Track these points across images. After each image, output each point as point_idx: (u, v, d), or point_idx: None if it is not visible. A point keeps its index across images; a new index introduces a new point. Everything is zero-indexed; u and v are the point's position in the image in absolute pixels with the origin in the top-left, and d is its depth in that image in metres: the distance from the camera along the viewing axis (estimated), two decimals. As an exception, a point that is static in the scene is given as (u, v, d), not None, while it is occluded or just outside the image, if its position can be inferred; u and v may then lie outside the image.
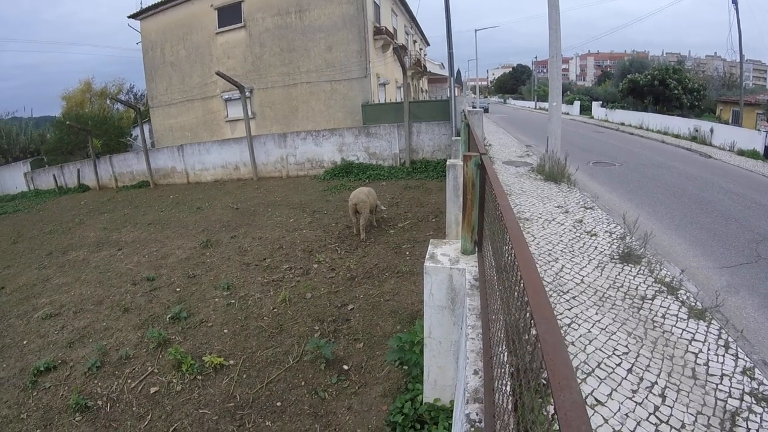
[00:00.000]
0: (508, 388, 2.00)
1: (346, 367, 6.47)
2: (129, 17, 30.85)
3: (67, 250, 15.34)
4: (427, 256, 4.73)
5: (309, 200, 15.16)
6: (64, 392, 7.36)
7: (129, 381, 7.16)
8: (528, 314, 1.57)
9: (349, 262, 9.70)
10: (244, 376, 6.69)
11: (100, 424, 6.45)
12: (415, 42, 41.66)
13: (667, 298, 6.90)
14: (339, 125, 22.42)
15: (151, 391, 6.79)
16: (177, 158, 24.88)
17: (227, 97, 26.85)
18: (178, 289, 10.04)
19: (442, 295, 4.60)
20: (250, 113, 22.91)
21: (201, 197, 19.08)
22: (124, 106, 46.22)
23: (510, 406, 1.86)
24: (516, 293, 1.91)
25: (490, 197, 3.46)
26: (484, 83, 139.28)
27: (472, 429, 2.59)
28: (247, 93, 22.00)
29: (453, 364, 4.77)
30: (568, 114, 50.72)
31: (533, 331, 1.45)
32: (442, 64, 55.80)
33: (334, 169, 19.36)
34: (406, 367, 6.11)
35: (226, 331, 7.91)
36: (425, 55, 49.41)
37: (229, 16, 26.10)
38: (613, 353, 5.54)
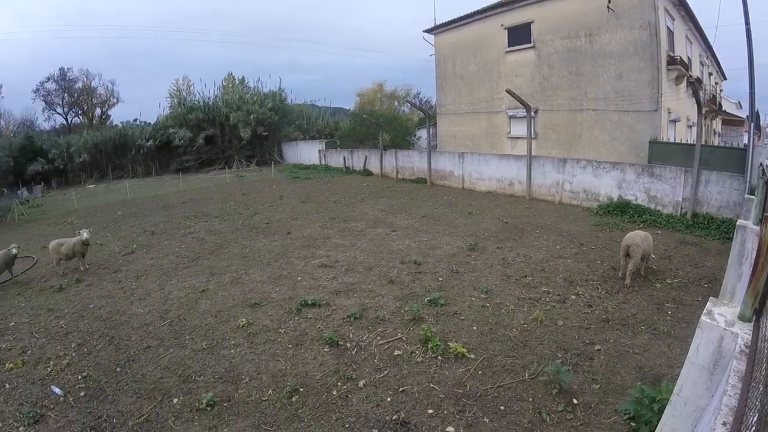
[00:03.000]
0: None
1: (575, 401, 6.55)
2: (425, 32, 34.29)
3: (348, 220, 18.20)
4: (704, 311, 4.66)
5: (578, 231, 15.05)
6: (321, 326, 9.11)
7: (378, 338, 8.42)
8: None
9: (607, 304, 9.55)
10: (480, 372, 7.25)
11: (342, 360, 7.81)
12: (710, 75, 36.94)
13: None
14: (621, 159, 21.29)
15: (395, 353, 7.88)
16: (456, 163, 26.65)
17: (512, 114, 27.71)
18: (440, 279, 11.23)
19: (707, 354, 4.49)
20: (532, 133, 23.23)
21: (473, 204, 20.36)
22: (409, 108, 50.66)
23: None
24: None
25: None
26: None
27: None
28: (532, 113, 22.37)
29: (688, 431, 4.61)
30: None
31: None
32: (739, 103, 48.82)
33: (608, 204, 18.57)
34: (634, 424, 5.97)
35: (475, 328, 8.60)
36: (721, 90, 43.20)
37: (519, 36, 26.88)
38: None
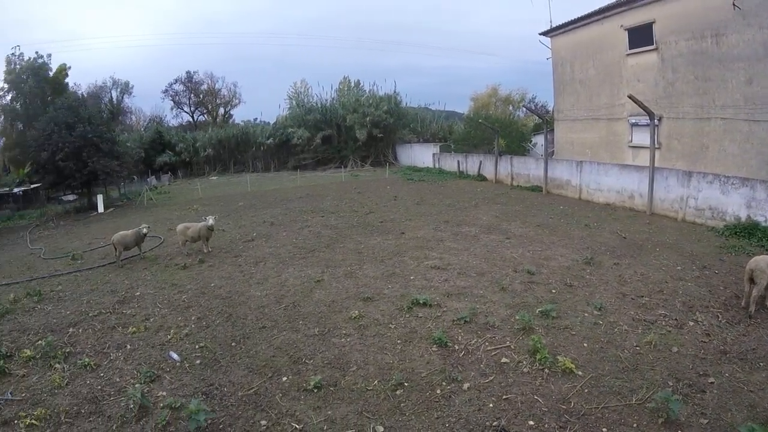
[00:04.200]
0: None
1: (681, 433, 6.32)
2: (540, 34, 33.17)
3: (461, 224, 18.28)
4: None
5: (701, 252, 14.12)
6: (430, 325, 9.33)
7: (486, 344, 8.49)
8: None
9: (727, 334, 8.94)
10: (586, 390, 7.10)
11: (449, 361, 7.97)
12: None
13: None
14: (751, 175, 19.23)
15: (501, 360, 7.92)
16: (574, 172, 25.62)
17: (634, 121, 26.00)
18: (553, 291, 11.06)
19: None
20: (655, 142, 21.84)
21: (590, 216, 19.66)
22: (524, 113, 49.64)
23: None
24: None
25: None
26: None
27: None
28: (655, 120, 21.06)
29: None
30: None
31: None
32: None
33: (735, 225, 16.91)
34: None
35: (585, 345, 8.42)
36: None
37: (640, 37, 25.04)
38: None
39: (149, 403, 7.09)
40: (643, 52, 25.01)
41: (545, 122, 30.38)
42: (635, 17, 25.13)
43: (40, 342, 9.65)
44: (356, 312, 9.97)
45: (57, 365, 8.69)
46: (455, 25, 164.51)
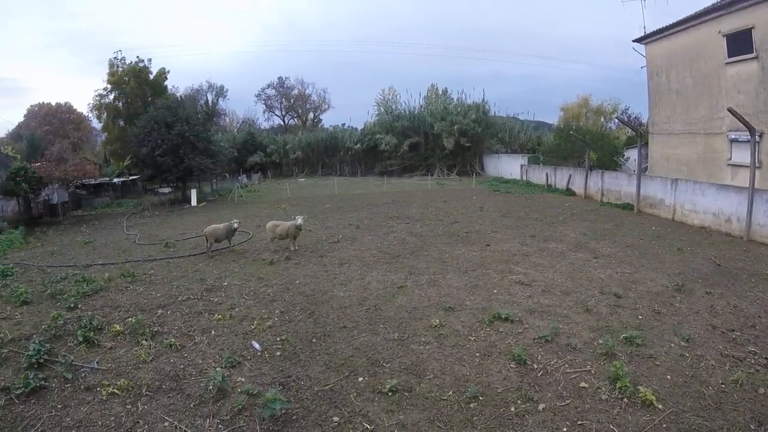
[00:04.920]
0: None
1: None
2: (634, 41, 31.12)
3: (548, 240, 17.81)
4: None
5: (802, 287, 13.05)
6: (510, 341, 9.11)
7: (566, 366, 8.17)
8: None
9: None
10: (664, 425, 6.68)
11: (526, 380, 7.73)
12: None
13: None
14: None
15: (580, 384, 7.58)
16: (668, 191, 23.96)
17: (734, 137, 23.79)
18: (639, 317, 10.48)
19: None
20: (756, 161, 20.13)
21: (683, 239, 18.44)
22: (616, 125, 47.65)
23: None
24: None
25: None
26: None
27: None
28: (756, 137, 19.39)
29: None
30: None
31: None
32: None
33: None
34: None
35: (668, 377, 7.94)
36: None
37: (739, 44, 22.98)
38: None
39: (228, 387, 7.41)
40: (742, 60, 23.04)
41: (639, 135, 28.71)
42: (732, 23, 23.24)
43: (130, 319, 10.45)
44: (437, 321, 9.93)
45: (144, 342, 9.35)
46: (545, 31, 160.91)
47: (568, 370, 7.94)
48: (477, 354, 8.56)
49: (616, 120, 47.63)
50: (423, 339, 9.20)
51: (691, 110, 26.92)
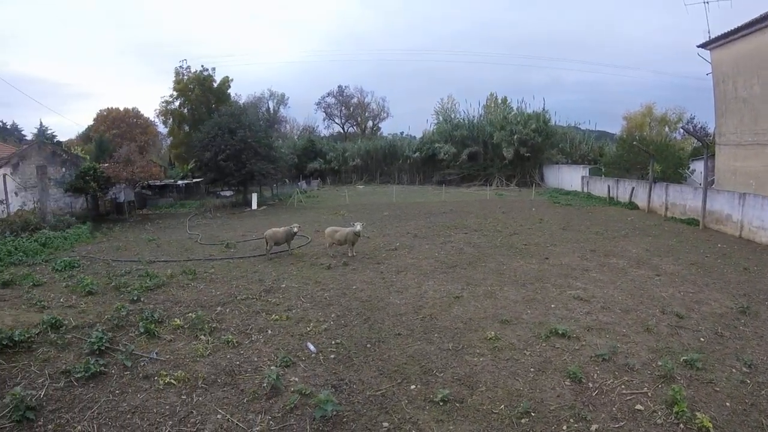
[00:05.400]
0: None
1: None
2: (698, 46, 29.53)
3: (609, 255, 17.31)
4: None
5: None
6: (566, 358, 8.90)
7: (622, 386, 7.89)
8: None
9: None
10: None
11: (580, 398, 7.52)
12: None
13: None
14: None
15: (636, 407, 7.31)
16: (735, 206, 22.71)
17: None
18: (702, 339, 10.06)
19: None
20: None
21: (750, 258, 17.50)
22: (681, 135, 45.77)
23: None
24: None
25: None
26: None
27: None
28: None
29: None
30: None
31: None
32: None
33: None
34: None
35: (728, 404, 7.56)
36: None
37: None
38: None
39: (281, 386, 7.60)
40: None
41: (705, 146, 27.43)
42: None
43: (190, 314, 10.93)
44: (492, 333, 9.84)
45: (202, 337, 9.74)
46: (606, 38, 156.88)
47: (624, 391, 7.70)
48: (531, 369, 8.43)
49: (681, 130, 45.86)
50: (477, 351, 9.14)
51: (759, 120, 25.39)
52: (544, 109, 53.70)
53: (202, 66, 53.02)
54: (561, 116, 77.69)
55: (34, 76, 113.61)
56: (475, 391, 7.60)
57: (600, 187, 38.44)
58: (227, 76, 54.44)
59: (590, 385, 7.89)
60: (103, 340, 8.93)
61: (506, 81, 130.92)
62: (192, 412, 7.03)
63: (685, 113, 53.00)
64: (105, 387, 7.68)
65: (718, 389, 7.89)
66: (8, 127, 66.26)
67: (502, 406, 7.19)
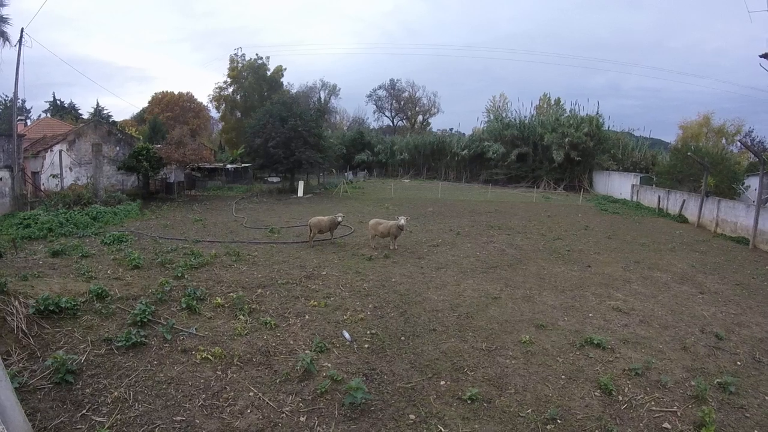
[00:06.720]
0: None
1: None
2: (761, 56, 28.18)
3: (653, 268, 16.86)
4: None
5: None
6: (599, 369, 8.81)
7: (652, 403, 7.80)
8: None
9: None
10: None
11: (609, 410, 7.45)
12: None
13: None
14: None
15: (663, 425, 7.20)
16: None
17: None
18: (738, 363, 9.77)
19: None
20: None
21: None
22: (738, 149, 44.09)
23: None
24: None
25: None
26: None
27: None
28: None
29: None
30: None
31: None
32: None
33: None
34: None
35: (756, 431, 7.37)
36: None
37: None
38: None
39: (314, 370, 7.89)
40: None
41: (761, 162, 25.60)
42: None
43: (231, 294, 11.38)
44: (527, 337, 9.86)
45: (241, 317, 10.12)
46: (666, 43, 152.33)
47: (653, 408, 7.63)
48: (562, 376, 8.43)
49: (739, 143, 44.13)
50: (510, 353, 9.18)
51: (821, 136, 24.21)
52: (597, 113, 52.35)
53: (257, 54, 54.43)
54: (615, 121, 76.29)
55: (94, 58, 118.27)
56: (503, 393, 7.67)
57: (650, 197, 37.28)
58: (280, 65, 55.68)
59: (620, 398, 7.83)
60: (146, 313, 9.43)
61: (560, 83, 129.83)
62: (225, 388, 7.35)
63: (743, 125, 51.40)
64: (144, 357, 8.11)
65: (748, 415, 7.71)
66: (66, 105, 68.74)
67: (530, 410, 7.23)
